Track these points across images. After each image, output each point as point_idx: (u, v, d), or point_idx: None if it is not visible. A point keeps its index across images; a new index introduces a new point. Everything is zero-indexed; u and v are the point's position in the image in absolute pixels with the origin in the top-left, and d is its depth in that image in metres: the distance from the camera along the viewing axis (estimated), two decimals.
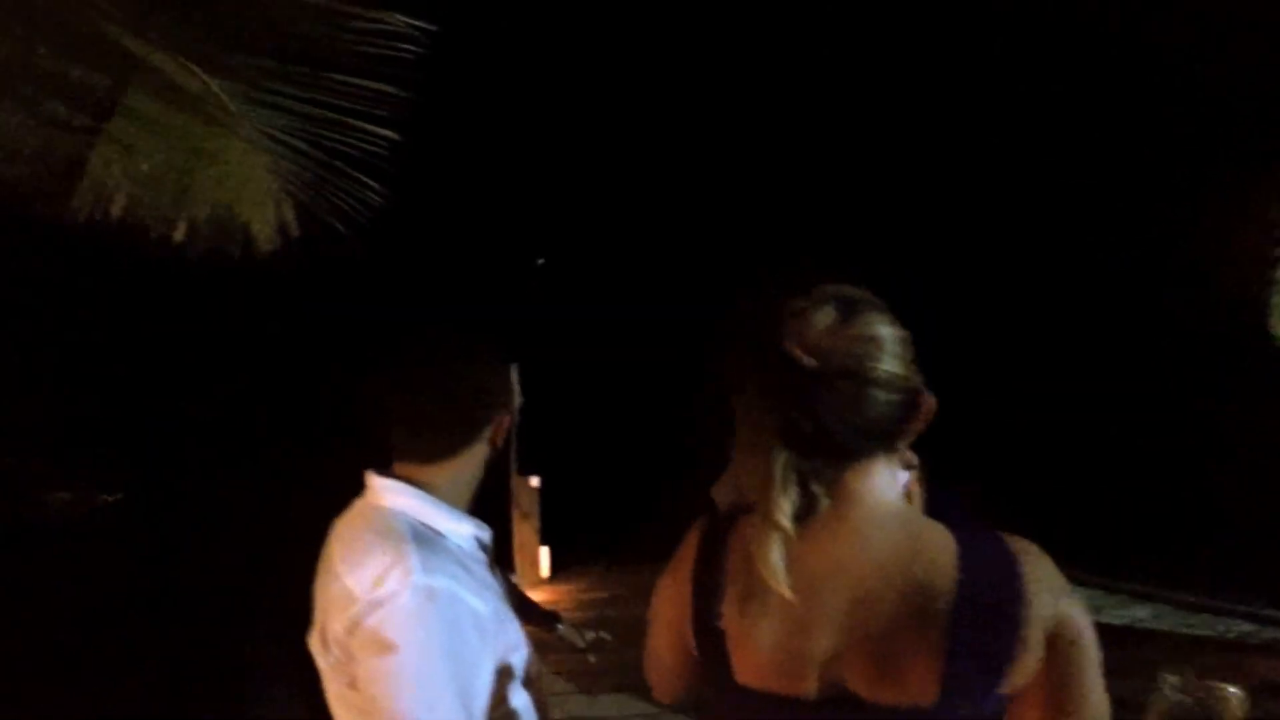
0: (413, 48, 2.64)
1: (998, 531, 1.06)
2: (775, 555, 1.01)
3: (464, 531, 1.45)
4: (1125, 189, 8.88)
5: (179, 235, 3.39)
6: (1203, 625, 5.36)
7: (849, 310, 1.09)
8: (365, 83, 2.74)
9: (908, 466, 4.68)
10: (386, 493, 1.43)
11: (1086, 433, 9.61)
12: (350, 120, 2.95)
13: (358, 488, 1.50)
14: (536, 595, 7.43)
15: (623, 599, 6.69)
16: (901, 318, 1.15)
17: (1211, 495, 8.05)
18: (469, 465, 1.51)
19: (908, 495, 4.70)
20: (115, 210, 3.04)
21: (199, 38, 2.40)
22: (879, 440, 1.10)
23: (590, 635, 2.24)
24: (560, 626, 2.23)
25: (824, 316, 1.08)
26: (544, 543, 8.82)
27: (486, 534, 1.51)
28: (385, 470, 1.49)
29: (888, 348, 1.08)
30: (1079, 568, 6.10)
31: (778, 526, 1.01)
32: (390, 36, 2.51)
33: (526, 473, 8.78)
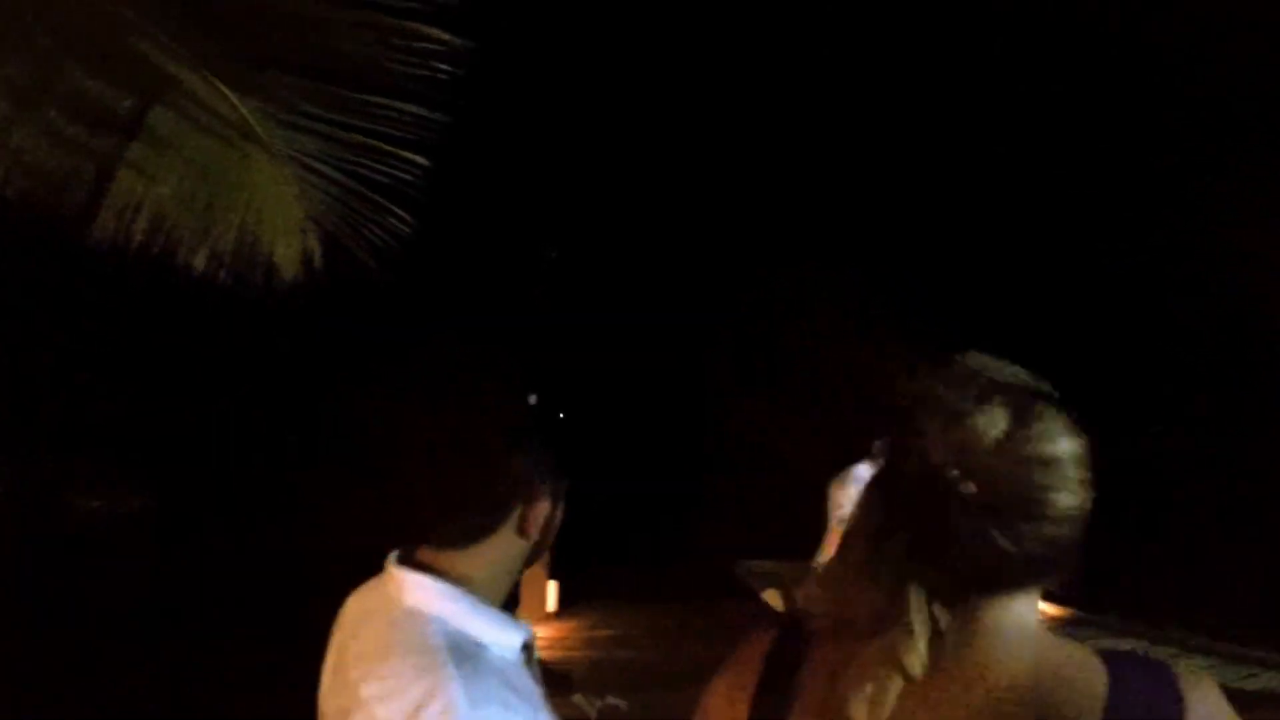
0: (449, 67, 2.51)
1: (1164, 663, 0.87)
2: (890, 700, 0.82)
3: (512, 643, 1.23)
4: (1129, 198, 8.74)
5: (200, 263, 3.28)
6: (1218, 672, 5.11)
7: (1022, 416, 0.88)
8: (400, 104, 2.61)
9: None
10: (417, 591, 1.18)
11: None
12: (382, 145, 2.83)
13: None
14: (542, 631, 7.18)
15: (634, 639, 6.45)
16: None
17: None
18: (510, 548, 1.30)
19: None
20: (137, 235, 2.92)
21: (230, 56, 2.28)
22: (1036, 576, 0.90)
23: (599, 704, 2.08)
24: (575, 697, 2.06)
25: (991, 425, 0.87)
26: (552, 576, 8.57)
27: (530, 635, 1.28)
28: (409, 555, 1.27)
29: (1069, 471, 0.88)
30: (1089, 606, 5.85)
31: (905, 673, 0.83)
32: (427, 55, 2.38)
33: None
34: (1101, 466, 0.89)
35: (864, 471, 4.70)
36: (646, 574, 8.68)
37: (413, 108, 2.64)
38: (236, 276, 3.40)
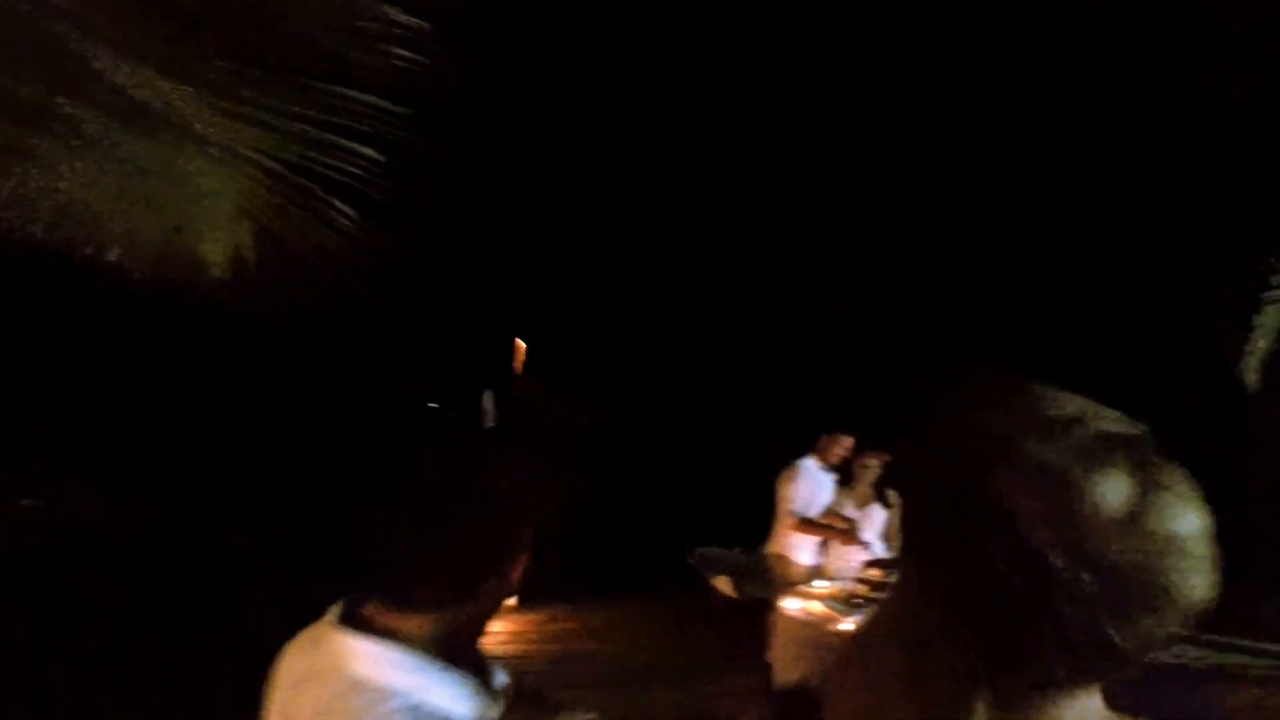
0: (411, 54, 2.23)
1: None
2: None
3: (488, 714, 1.00)
4: (1112, 210, 8.94)
5: (113, 257, 2.93)
6: (1170, 655, 5.28)
7: (1147, 480, 0.67)
8: (352, 93, 2.32)
9: (885, 505, 4.23)
10: (370, 662, 0.96)
11: None
12: (329, 137, 2.52)
13: None
14: (502, 625, 6.95)
15: (598, 632, 6.28)
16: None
17: None
18: (483, 607, 1.06)
19: (861, 487, 4.20)
20: (39, 230, 2.56)
21: (160, 41, 1.95)
22: (1124, 668, 0.69)
23: None
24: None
25: (1112, 493, 0.66)
26: None
27: (507, 680, 1.06)
28: (358, 614, 1.02)
29: (1201, 549, 0.68)
30: None
31: None
32: (382, 40, 2.10)
33: None
34: None
35: (810, 465, 4.67)
36: (606, 565, 8.55)
37: (367, 98, 2.35)
38: (159, 273, 3.06)
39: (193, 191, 2.69)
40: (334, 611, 1.01)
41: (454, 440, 1.06)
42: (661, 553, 7.71)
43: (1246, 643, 5.31)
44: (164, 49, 1.99)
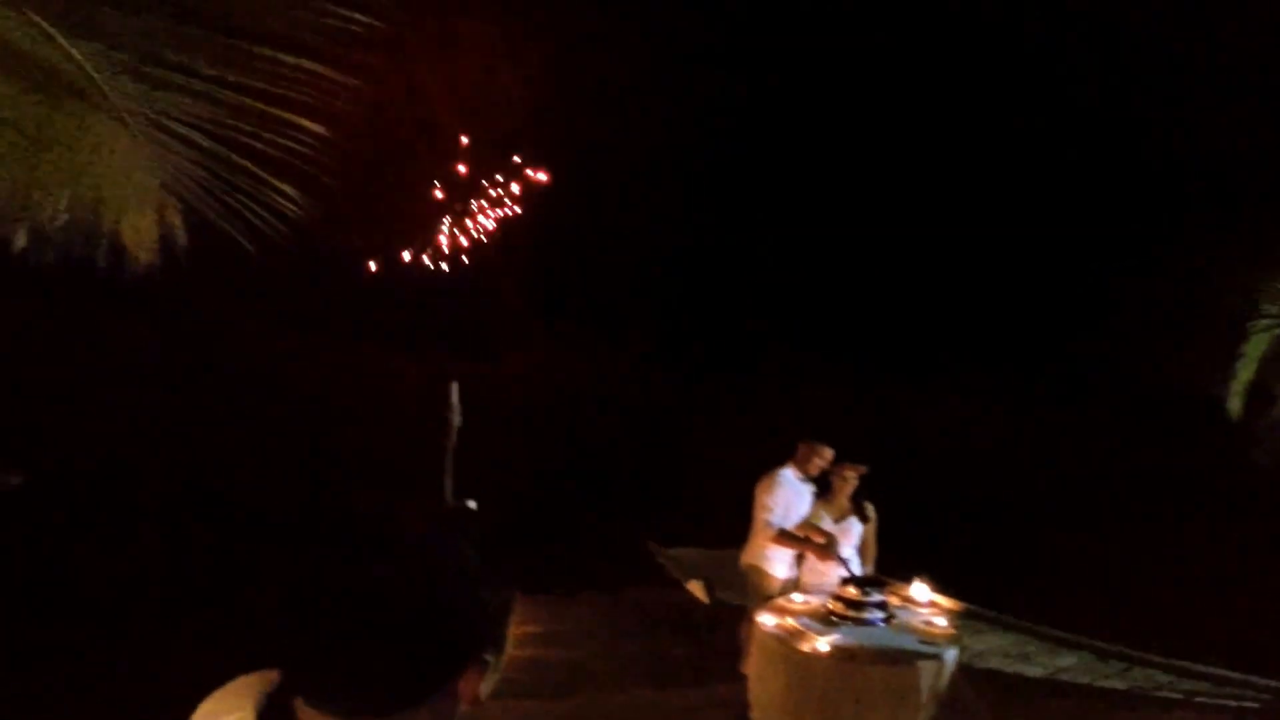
0: (367, 18, 1.93)
1: None
2: None
3: None
4: (1093, 250, 9.00)
5: (20, 240, 2.58)
6: (1121, 678, 5.30)
7: None
8: (297, 61, 2.01)
9: (863, 518, 4.15)
10: None
11: (1026, 475, 9.82)
12: (269, 109, 2.21)
13: None
14: None
15: (559, 636, 6.06)
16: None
17: (1144, 546, 8.29)
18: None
19: (839, 499, 4.19)
20: None
21: None
22: None
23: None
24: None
25: None
26: None
27: None
28: (279, 707, 1.00)
29: None
30: (1009, 611, 6.18)
31: None
32: (344, 3, 1.80)
33: (461, 497, 8.05)
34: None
35: (789, 474, 4.53)
36: (573, 567, 8.36)
37: (314, 66, 2.04)
38: (72, 255, 2.72)
39: (110, 166, 2.35)
40: (252, 696, 0.95)
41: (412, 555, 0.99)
42: (628, 553, 7.54)
43: (1185, 664, 5.36)
44: (69, 2, 1.67)
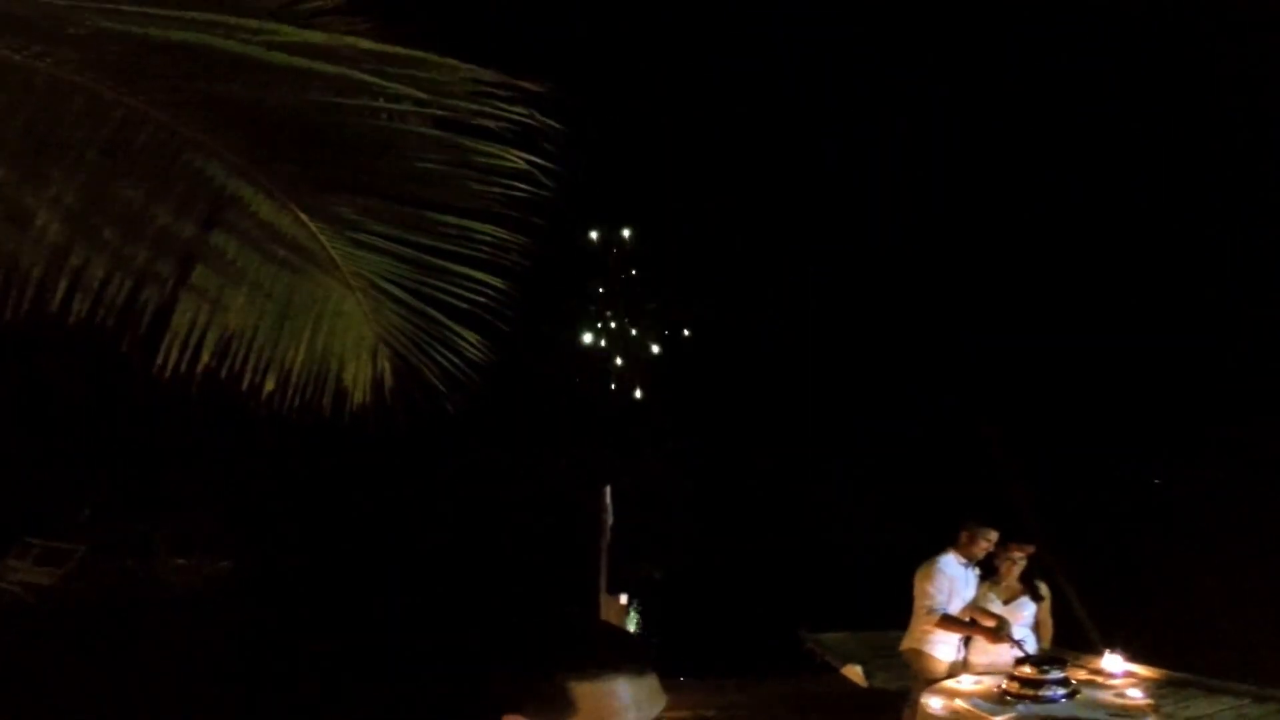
0: (531, 188, 2.33)
1: None
2: None
3: None
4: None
5: (270, 387, 3.15)
6: None
7: None
8: (478, 226, 2.44)
9: (1035, 598, 3.90)
10: None
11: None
12: (453, 266, 2.65)
13: None
14: None
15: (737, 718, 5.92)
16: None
17: None
18: None
19: (1007, 580, 3.91)
20: (202, 363, 2.80)
21: (296, 176, 2.14)
22: None
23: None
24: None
25: None
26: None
27: None
28: None
29: None
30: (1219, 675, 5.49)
31: None
32: (509, 175, 2.21)
33: (615, 590, 8.30)
34: None
35: (950, 560, 4.38)
36: (736, 650, 8.37)
37: (489, 229, 2.46)
38: (306, 402, 3.26)
39: (334, 320, 2.88)
40: None
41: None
42: (771, 636, 7.28)
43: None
44: (291, 182, 2.18)
